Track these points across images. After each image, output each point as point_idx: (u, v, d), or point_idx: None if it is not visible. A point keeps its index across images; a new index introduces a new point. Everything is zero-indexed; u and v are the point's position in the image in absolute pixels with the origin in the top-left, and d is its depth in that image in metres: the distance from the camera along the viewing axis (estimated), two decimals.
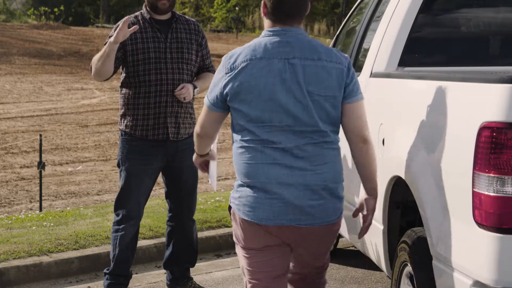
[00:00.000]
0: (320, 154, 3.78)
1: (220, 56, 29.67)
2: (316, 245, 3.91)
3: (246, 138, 3.77)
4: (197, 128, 4.02)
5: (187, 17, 5.81)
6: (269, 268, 3.89)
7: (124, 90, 5.62)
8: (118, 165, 5.72)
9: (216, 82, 3.81)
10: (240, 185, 3.81)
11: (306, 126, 3.72)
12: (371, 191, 3.98)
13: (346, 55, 3.86)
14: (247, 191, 3.77)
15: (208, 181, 4.74)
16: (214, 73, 4.89)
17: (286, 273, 3.96)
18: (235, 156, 3.85)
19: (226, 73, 3.77)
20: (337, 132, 3.84)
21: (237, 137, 3.83)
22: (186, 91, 5.54)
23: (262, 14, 3.86)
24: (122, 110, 5.65)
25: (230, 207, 3.94)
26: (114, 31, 5.41)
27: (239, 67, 3.73)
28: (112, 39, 5.31)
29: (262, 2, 3.83)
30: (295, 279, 4.11)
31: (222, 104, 3.81)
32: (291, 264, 4.01)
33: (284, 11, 3.77)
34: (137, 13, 5.69)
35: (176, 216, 5.86)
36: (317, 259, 4.01)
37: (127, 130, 5.62)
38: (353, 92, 3.80)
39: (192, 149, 5.65)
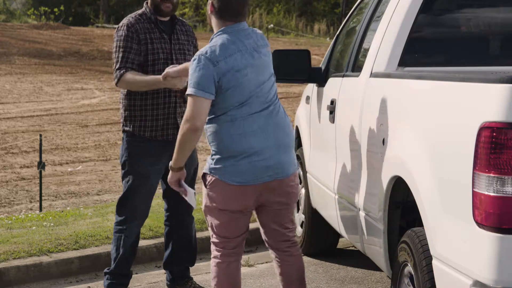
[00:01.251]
0: (278, 117, 4.63)
1: None
2: (290, 196, 4.71)
3: (231, 115, 4.53)
4: (194, 123, 4.50)
5: (180, 18, 5.83)
6: (237, 228, 4.70)
7: (129, 91, 5.57)
8: (123, 166, 5.68)
9: (205, 74, 4.49)
10: (223, 157, 4.54)
11: (268, 99, 4.60)
12: None
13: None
14: (234, 160, 4.53)
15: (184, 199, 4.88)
16: None
17: (246, 233, 4.78)
18: (215, 133, 4.57)
19: (214, 66, 4.49)
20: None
21: (218, 118, 4.55)
22: (172, 71, 5.38)
23: (209, 12, 4.66)
24: (128, 112, 5.60)
25: (205, 175, 4.64)
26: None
27: (226, 60, 4.50)
28: (162, 78, 5.28)
29: (210, 2, 4.61)
30: (277, 244, 4.83)
31: (213, 91, 4.50)
32: (265, 228, 4.81)
33: (234, 11, 4.59)
34: (140, 12, 5.65)
35: (175, 214, 5.85)
36: (289, 212, 4.79)
37: (134, 131, 5.59)
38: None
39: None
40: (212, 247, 4.81)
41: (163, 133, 5.58)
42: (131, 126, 5.60)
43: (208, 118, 4.57)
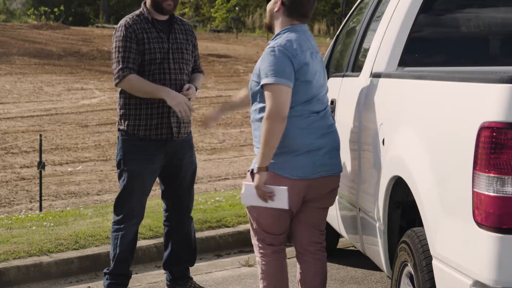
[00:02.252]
0: (330, 117, 4.81)
1: (220, 56, 29.65)
2: (333, 196, 4.89)
3: (296, 111, 4.60)
4: (282, 114, 4.51)
5: (180, 17, 5.84)
6: (284, 223, 4.79)
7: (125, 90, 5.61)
8: (118, 166, 5.70)
9: (286, 63, 4.53)
10: (281, 152, 4.55)
11: (325, 98, 4.78)
12: None
13: None
14: (292, 155, 4.60)
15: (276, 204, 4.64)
16: (202, 74, 5.80)
17: (288, 229, 4.85)
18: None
19: (291, 57, 4.54)
20: None
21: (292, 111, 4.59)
22: (192, 92, 5.59)
23: (276, 10, 4.72)
24: (123, 110, 5.63)
25: (253, 171, 4.62)
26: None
27: (302, 56, 4.58)
28: (165, 93, 5.41)
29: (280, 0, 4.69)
30: (308, 245, 4.90)
31: (293, 80, 4.56)
32: (301, 227, 4.87)
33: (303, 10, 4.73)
34: (137, 12, 5.67)
35: (174, 214, 5.86)
36: (325, 215, 4.92)
37: (129, 130, 5.60)
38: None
39: (191, 145, 5.67)
40: (257, 247, 4.85)
41: (157, 133, 5.58)
42: (126, 125, 5.61)
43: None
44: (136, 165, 5.60)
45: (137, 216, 5.69)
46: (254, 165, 4.64)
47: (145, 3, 5.67)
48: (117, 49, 5.54)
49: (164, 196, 5.88)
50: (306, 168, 4.65)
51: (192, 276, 6.07)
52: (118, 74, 5.50)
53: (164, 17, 5.66)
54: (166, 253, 5.94)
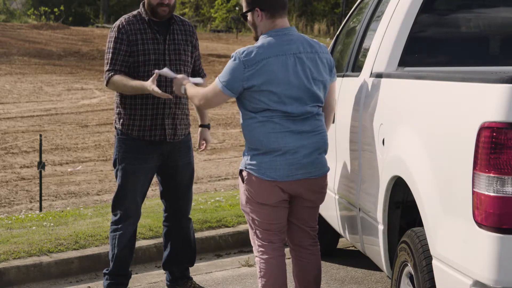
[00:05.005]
0: (317, 120, 4.81)
1: (220, 56, 29.65)
2: (319, 195, 4.90)
3: (265, 115, 4.70)
4: (200, 102, 4.90)
5: (182, 17, 5.81)
6: (277, 220, 4.86)
7: None
8: (114, 164, 5.71)
9: (236, 74, 4.66)
10: (258, 153, 4.73)
11: (311, 102, 4.75)
12: None
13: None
14: (267, 157, 4.71)
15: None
16: (205, 76, 5.78)
17: (286, 225, 4.93)
18: (252, 130, 4.74)
19: (245, 67, 4.64)
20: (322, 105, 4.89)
21: (253, 114, 4.72)
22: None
23: (259, 21, 4.77)
24: (118, 109, 5.64)
25: (241, 171, 4.84)
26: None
27: (261, 63, 4.64)
28: (149, 87, 5.29)
29: (256, 10, 4.75)
30: (300, 241, 4.99)
31: (236, 91, 4.70)
32: (291, 224, 4.96)
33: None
34: (135, 12, 5.66)
35: (173, 215, 5.85)
36: (315, 212, 4.98)
37: (123, 129, 5.61)
38: (334, 73, 4.91)
39: (189, 147, 5.67)
40: (256, 246, 4.91)
41: (151, 134, 5.57)
42: (120, 124, 5.62)
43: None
44: (130, 164, 5.60)
45: (133, 216, 5.68)
46: (242, 165, 4.83)
47: (143, 4, 5.66)
48: (108, 50, 5.57)
49: (162, 196, 5.89)
50: (281, 171, 4.71)
51: (192, 276, 6.07)
52: (105, 76, 5.56)
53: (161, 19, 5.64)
54: (165, 253, 5.94)
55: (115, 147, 5.72)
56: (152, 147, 5.60)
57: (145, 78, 5.50)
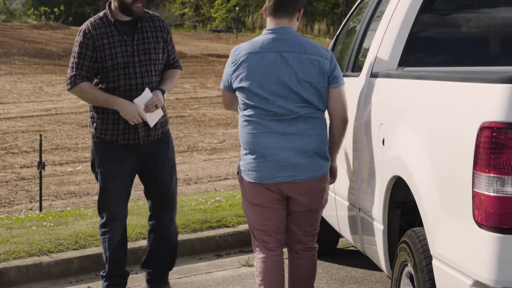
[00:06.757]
0: (309, 123, 4.72)
1: (220, 56, 29.66)
2: (312, 199, 4.82)
3: (248, 113, 4.73)
4: (224, 105, 5.05)
5: (150, 12, 5.60)
6: (270, 221, 4.86)
7: None
8: (92, 168, 5.64)
9: (227, 71, 4.81)
10: (244, 153, 4.77)
11: (295, 102, 4.69)
12: (335, 157, 5.01)
13: (327, 48, 4.85)
14: (250, 157, 4.73)
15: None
16: (179, 69, 5.68)
17: (283, 226, 4.91)
18: (240, 129, 4.83)
19: (232, 63, 4.77)
20: (322, 108, 4.79)
21: (242, 113, 4.79)
22: (156, 99, 5.40)
23: (265, 16, 4.86)
24: (92, 113, 5.56)
25: (238, 172, 4.90)
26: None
27: (241, 59, 4.72)
28: (117, 105, 5.32)
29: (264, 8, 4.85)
30: (292, 244, 4.97)
31: (230, 87, 4.81)
32: (288, 230, 4.94)
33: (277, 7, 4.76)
34: (101, 14, 5.49)
35: (155, 214, 5.73)
36: (310, 218, 4.91)
37: (97, 133, 5.54)
38: (335, 79, 4.79)
39: (166, 143, 5.66)
40: (253, 245, 4.95)
41: (124, 138, 5.47)
42: (94, 128, 5.56)
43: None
44: (107, 168, 5.52)
45: (119, 217, 5.59)
46: (239, 167, 4.88)
47: (109, 4, 5.48)
48: (73, 54, 5.45)
49: (145, 194, 5.79)
50: (261, 172, 4.71)
51: (170, 281, 5.94)
52: (70, 80, 5.43)
53: (127, 18, 5.47)
54: (146, 253, 5.85)
55: (91, 150, 5.64)
56: (127, 150, 5.51)
57: (115, 83, 5.41)
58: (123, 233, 5.66)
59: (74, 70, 5.42)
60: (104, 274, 5.70)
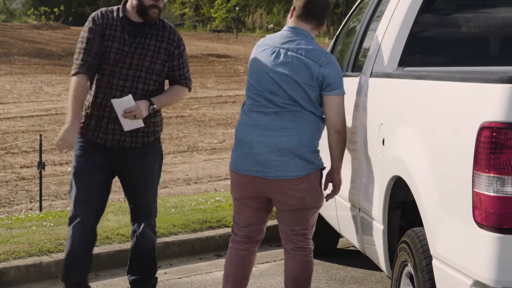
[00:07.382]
0: (292, 122, 4.70)
1: (220, 56, 29.66)
2: (288, 199, 4.76)
3: (246, 103, 4.86)
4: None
5: (166, 22, 5.42)
6: (241, 216, 4.95)
7: (92, 82, 5.32)
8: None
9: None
10: (234, 142, 4.87)
11: (282, 98, 4.72)
12: (335, 168, 4.99)
13: (330, 55, 4.82)
14: (234, 146, 4.85)
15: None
16: (185, 86, 5.48)
17: (261, 225, 4.97)
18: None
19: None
20: (312, 110, 4.75)
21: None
22: (136, 110, 5.15)
23: (288, 17, 4.96)
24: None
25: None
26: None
27: (253, 52, 4.89)
28: (66, 120, 5.19)
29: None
30: (284, 243, 4.94)
31: None
32: (279, 224, 4.93)
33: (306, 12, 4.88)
34: (114, 8, 5.35)
35: (133, 219, 5.54)
36: (298, 217, 4.83)
37: (82, 128, 5.35)
38: (328, 87, 4.74)
39: (144, 155, 5.42)
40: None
41: (94, 135, 5.29)
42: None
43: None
44: (78, 162, 5.36)
45: (80, 216, 5.34)
46: None
47: (125, 2, 5.34)
48: (81, 39, 5.29)
49: (126, 198, 5.65)
50: (240, 162, 4.80)
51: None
52: (75, 67, 5.26)
53: (140, 20, 5.31)
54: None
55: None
56: (98, 149, 5.33)
57: (99, 76, 5.25)
58: (87, 238, 5.40)
59: (79, 59, 5.24)
60: (61, 276, 5.52)
